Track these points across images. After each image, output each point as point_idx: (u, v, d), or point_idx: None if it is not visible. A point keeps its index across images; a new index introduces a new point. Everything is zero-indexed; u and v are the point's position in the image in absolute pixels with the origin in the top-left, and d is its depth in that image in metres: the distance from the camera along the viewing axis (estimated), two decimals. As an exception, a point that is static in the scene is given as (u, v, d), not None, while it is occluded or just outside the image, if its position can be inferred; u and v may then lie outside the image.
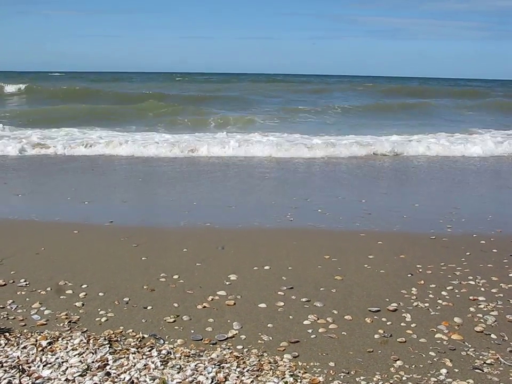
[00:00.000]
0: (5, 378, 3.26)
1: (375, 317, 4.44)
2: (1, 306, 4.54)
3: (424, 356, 3.82)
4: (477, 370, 3.62)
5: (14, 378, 3.28)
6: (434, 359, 3.77)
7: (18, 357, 3.57)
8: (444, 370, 3.61)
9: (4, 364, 3.46)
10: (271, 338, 4.04)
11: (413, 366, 3.67)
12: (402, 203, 9.03)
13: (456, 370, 3.63)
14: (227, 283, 5.12)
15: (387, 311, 4.55)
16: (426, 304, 4.69)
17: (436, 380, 3.50)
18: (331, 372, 3.59)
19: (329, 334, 4.14)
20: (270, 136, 16.64)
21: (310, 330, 4.18)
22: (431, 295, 4.89)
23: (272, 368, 3.58)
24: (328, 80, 60.32)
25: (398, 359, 3.76)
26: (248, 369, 3.53)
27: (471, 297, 4.85)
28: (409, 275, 5.39)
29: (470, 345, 3.97)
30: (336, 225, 7.28)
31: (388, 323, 4.33)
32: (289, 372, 3.54)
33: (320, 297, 4.83)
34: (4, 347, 3.74)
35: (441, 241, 6.54)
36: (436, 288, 5.06)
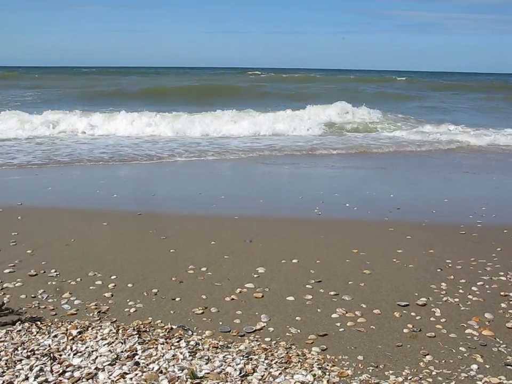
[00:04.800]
0: (37, 366, 3.31)
1: (404, 311, 4.40)
2: (32, 295, 4.60)
3: (454, 351, 3.78)
4: (508, 367, 3.57)
5: (46, 366, 3.32)
6: (465, 355, 3.72)
7: (49, 345, 3.62)
8: (474, 366, 3.57)
9: (36, 352, 3.51)
10: (299, 331, 4.04)
11: (443, 361, 3.63)
12: (432, 197, 8.93)
13: (487, 366, 3.58)
14: (255, 276, 5.12)
15: (416, 306, 4.51)
16: (456, 300, 4.64)
17: (467, 375, 3.46)
18: (360, 365, 3.57)
19: (358, 327, 4.11)
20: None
21: (338, 324, 4.17)
22: (461, 290, 4.84)
23: (301, 360, 3.57)
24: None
25: (428, 354, 3.72)
26: (276, 361, 3.52)
27: (502, 293, 4.78)
28: (439, 270, 5.34)
29: (501, 341, 3.92)
30: (364, 219, 7.24)
31: (417, 318, 4.29)
32: (318, 364, 3.53)
33: (349, 291, 4.80)
34: (35, 335, 3.80)
35: (471, 236, 6.47)
36: (466, 284, 5.00)
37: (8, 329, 3.90)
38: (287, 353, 3.67)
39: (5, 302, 4.41)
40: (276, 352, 3.68)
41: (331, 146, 14.57)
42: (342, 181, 10.63)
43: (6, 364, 3.35)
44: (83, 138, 15.64)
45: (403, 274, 5.23)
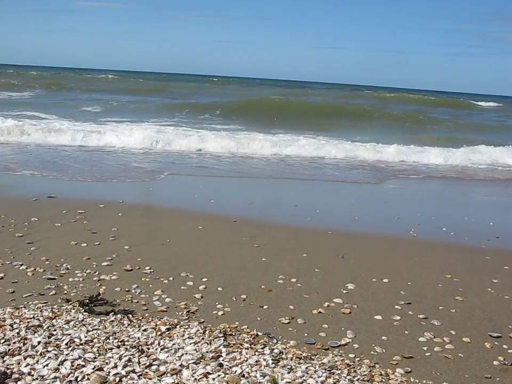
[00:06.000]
0: (125, 356, 3.45)
1: (496, 343, 4.26)
2: (126, 289, 4.79)
3: (546, 389, 3.62)
4: None
5: (134, 357, 3.46)
6: (557, 394, 3.57)
7: (138, 338, 3.77)
8: None
9: (126, 343, 3.66)
10: (384, 350, 3.99)
11: (533, 398, 3.50)
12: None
13: None
14: (344, 291, 5.10)
15: (509, 338, 4.35)
16: (553, 337, 4.44)
17: (557, 415, 3.32)
18: (444, 392, 3.49)
19: (445, 353, 4.02)
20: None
21: (425, 348, 4.08)
22: (559, 328, 4.63)
23: (383, 380, 3.53)
24: None
25: (517, 389, 3.59)
26: (358, 379, 3.50)
27: None
28: (536, 304, 5.13)
29: None
30: (460, 245, 7.05)
31: (509, 351, 4.14)
32: (401, 386, 3.48)
33: (439, 315, 4.70)
34: (126, 327, 3.96)
35: None
36: None
37: (102, 318, 4.10)
38: (370, 371, 3.64)
39: (101, 292, 4.62)
40: (359, 369, 3.65)
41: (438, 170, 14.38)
42: (441, 205, 10.38)
43: (97, 350, 3.52)
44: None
45: (497, 304, 5.06)
